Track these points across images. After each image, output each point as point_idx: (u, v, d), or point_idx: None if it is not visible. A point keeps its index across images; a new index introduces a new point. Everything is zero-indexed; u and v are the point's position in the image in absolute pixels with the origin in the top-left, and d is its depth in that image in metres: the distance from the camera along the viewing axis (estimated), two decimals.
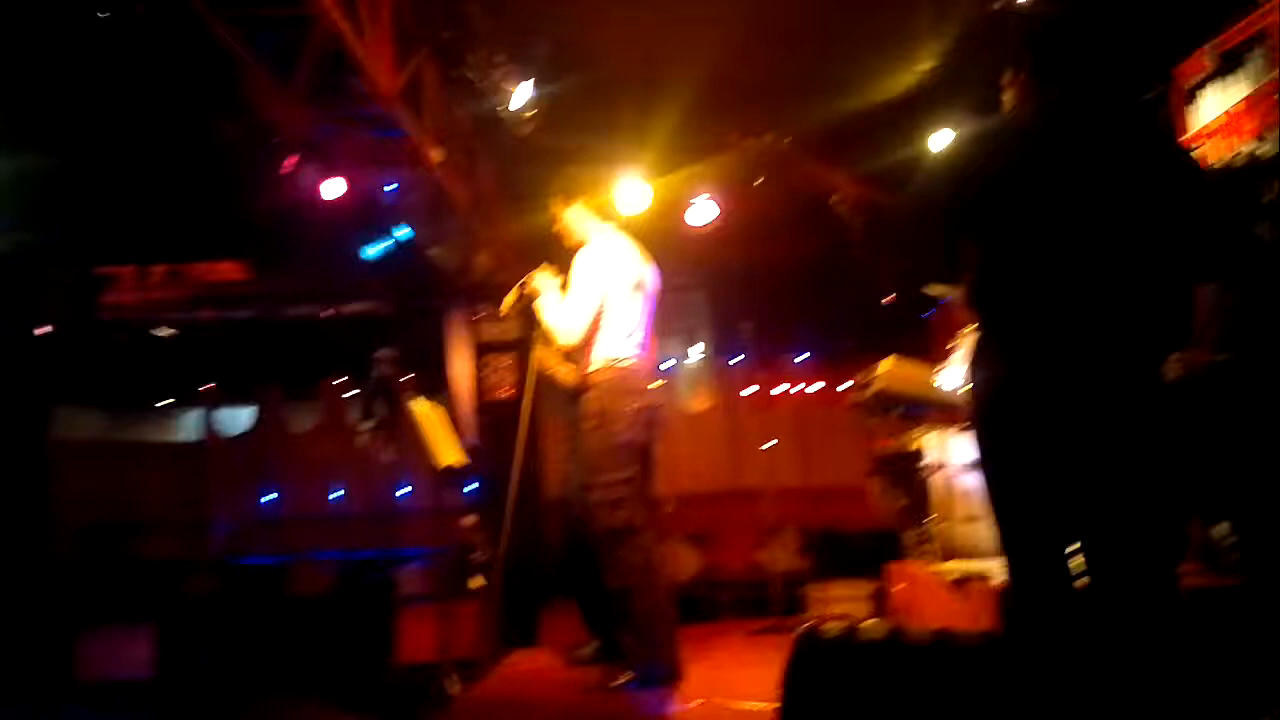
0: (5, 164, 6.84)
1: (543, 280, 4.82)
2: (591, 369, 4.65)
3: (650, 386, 4.70)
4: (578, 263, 4.73)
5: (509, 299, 4.93)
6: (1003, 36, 5.37)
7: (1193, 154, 3.74)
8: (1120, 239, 2.63)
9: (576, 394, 4.82)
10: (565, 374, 4.99)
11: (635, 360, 4.64)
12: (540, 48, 6.13)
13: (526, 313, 5.08)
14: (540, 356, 5.01)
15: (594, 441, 4.57)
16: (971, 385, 2.87)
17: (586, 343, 4.69)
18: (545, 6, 5.98)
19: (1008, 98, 2.95)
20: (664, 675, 4.63)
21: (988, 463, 2.84)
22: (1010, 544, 2.80)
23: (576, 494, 4.79)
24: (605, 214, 4.98)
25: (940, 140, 6.72)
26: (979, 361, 2.84)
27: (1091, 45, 2.87)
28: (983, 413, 2.82)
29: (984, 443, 2.85)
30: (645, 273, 4.90)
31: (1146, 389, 2.66)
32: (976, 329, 2.88)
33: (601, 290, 4.64)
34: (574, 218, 4.94)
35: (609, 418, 4.55)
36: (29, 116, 6.39)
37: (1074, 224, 2.65)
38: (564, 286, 4.79)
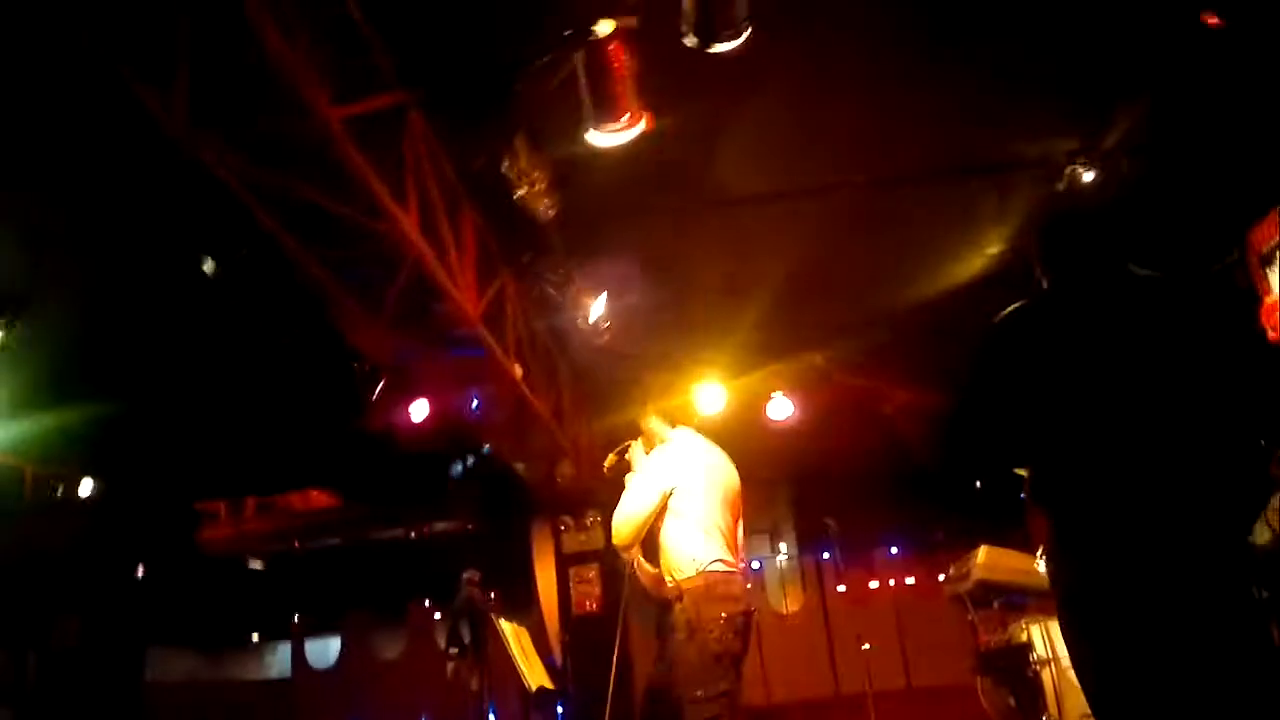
0: (101, 407, 7.13)
1: (639, 452, 4.79)
2: (681, 576, 4.54)
3: (742, 594, 4.56)
4: (648, 462, 4.70)
5: (610, 458, 4.89)
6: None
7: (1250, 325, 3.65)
8: (1179, 411, 2.58)
9: (668, 604, 4.71)
10: (647, 574, 4.92)
11: (722, 566, 4.53)
12: (615, 262, 6.35)
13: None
14: (633, 555, 4.94)
15: (687, 653, 4.40)
16: (1051, 582, 2.76)
17: (666, 548, 4.62)
18: (619, 224, 6.22)
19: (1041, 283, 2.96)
20: None
21: (1079, 662, 2.71)
22: None
23: (658, 705, 4.61)
24: (679, 418, 4.98)
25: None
26: (1057, 560, 2.74)
27: (1108, 229, 2.89)
28: (1069, 612, 2.70)
29: (1073, 642, 2.72)
30: (723, 472, 4.84)
31: (1231, 564, 2.55)
32: (1051, 521, 2.79)
33: (660, 487, 4.59)
34: (652, 425, 4.95)
35: (702, 627, 4.40)
36: (124, 359, 6.72)
37: (1133, 409, 2.61)
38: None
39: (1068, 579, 2.69)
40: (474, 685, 4.36)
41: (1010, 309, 2.82)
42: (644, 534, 4.51)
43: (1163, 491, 2.56)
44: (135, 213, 5.14)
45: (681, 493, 4.49)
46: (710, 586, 4.35)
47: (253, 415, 7.67)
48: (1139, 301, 2.78)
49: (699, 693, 4.23)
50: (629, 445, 4.79)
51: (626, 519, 4.50)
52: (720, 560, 4.41)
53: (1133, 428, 2.61)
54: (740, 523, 4.76)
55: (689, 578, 4.39)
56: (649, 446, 4.86)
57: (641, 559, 4.87)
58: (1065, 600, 2.71)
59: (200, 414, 7.57)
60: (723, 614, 4.31)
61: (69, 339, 6.20)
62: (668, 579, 4.52)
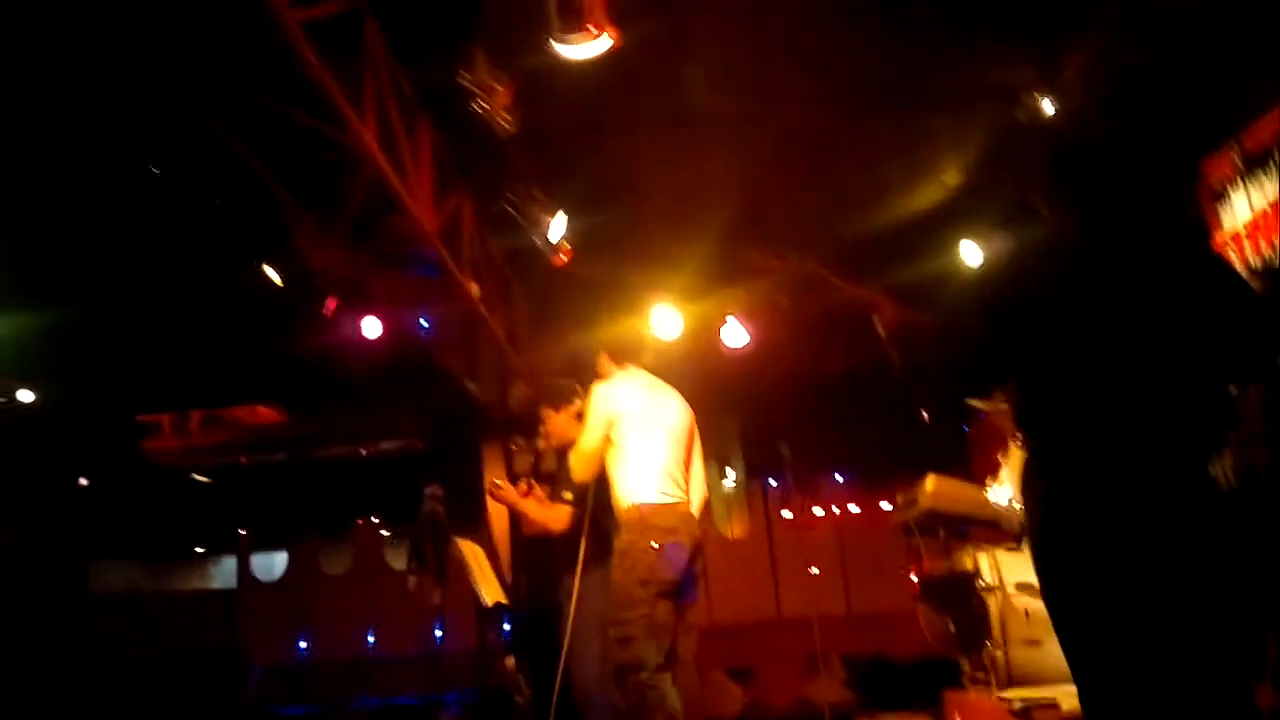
0: (43, 316, 6.98)
1: (562, 425, 4.98)
2: (620, 509, 4.68)
3: (679, 526, 4.67)
4: (591, 400, 4.82)
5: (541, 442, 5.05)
6: (1028, 150, 5.47)
7: (1222, 255, 3.72)
8: (1161, 347, 2.62)
9: (574, 534, 4.89)
10: (539, 514, 5.15)
11: (662, 498, 4.65)
12: (575, 181, 6.28)
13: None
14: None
15: (615, 577, 4.58)
16: (1025, 506, 2.81)
17: (610, 482, 4.73)
18: (579, 142, 6.15)
19: (1040, 214, 2.98)
20: None
21: (1049, 585, 2.76)
22: (1081, 667, 2.70)
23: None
24: (627, 357, 5.04)
25: (969, 252, 6.78)
26: (1031, 481, 2.79)
27: (1119, 161, 2.90)
28: (1040, 533, 2.76)
29: (1043, 564, 2.78)
30: (668, 406, 4.93)
31: (1200, 496, 2.61)
32: (1025, 447, 2.84)
33: (601, 422, 4.70)
34: (600, 363, 5.05)
35: (631, 554, 4.56)
36: (67, 266, 6.56)
37: (1116, 336, 2.64)
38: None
39: (1041, 500, 2.73)
40: (435, 599, 4.40)
41: (1012, 235, 2.84)
42: (597, 466, 4.65)
43: (1140, 425, 2.60)
44: (83, 116, 4.97)
45: (620, 427, 4.67)
46: (643, 517, 4.56)
47: (200, 327, 7.54)
48: (1128, 235, 2.80)
49: (620, 614, 4.43)
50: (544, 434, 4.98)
51: (576, 455, 4.77)
52: (660, 492, 4.54)
53: (1121, 360, 2.65)
54: (694, 456, 4.87)
55: (625, 508, 4.58)
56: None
57: (533, 503, 5.10)
58: (1038, 522, 2.75)
59: (147, 325, 7.42)
60: (653, 543, 4.47)
61: (13, 245, 6.02)
62: (614, 510, 4.67)
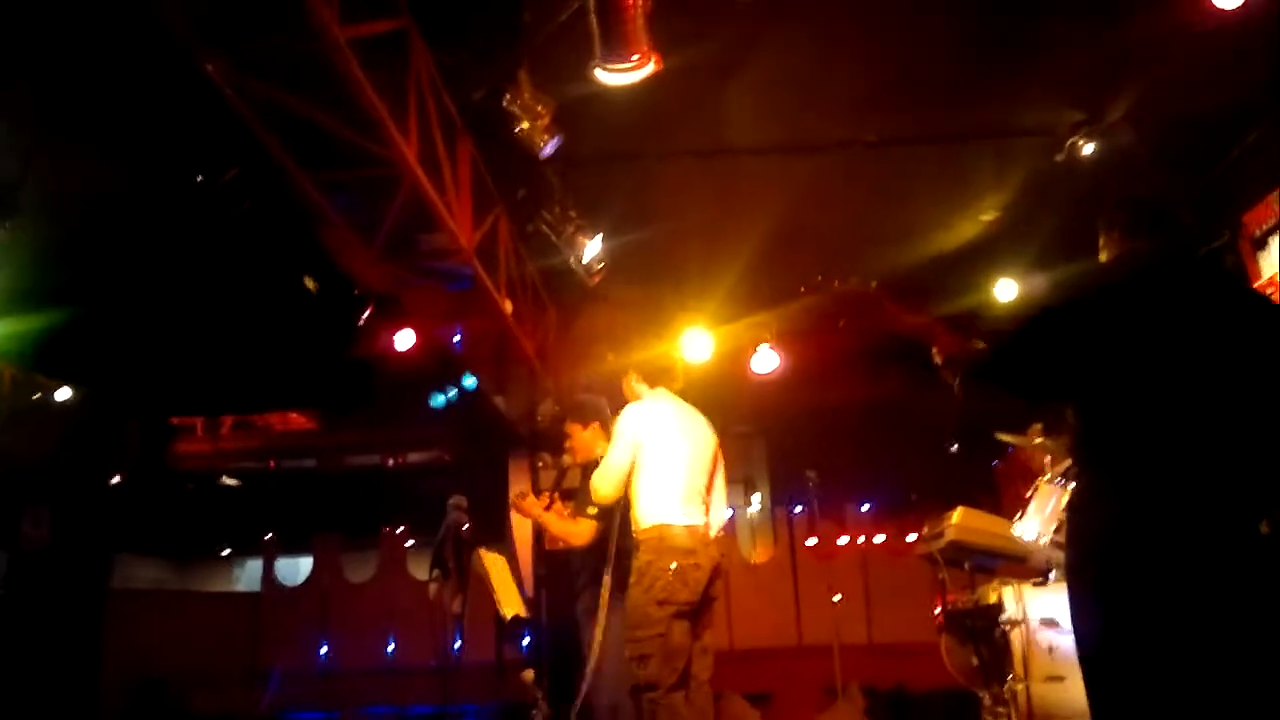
0: (84, 315, 7.09)
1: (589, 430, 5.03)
2: (639, 528, 4.71)
3: (697, 548, 4.70)
4: (620, 421, 4.85)
5: (566, 459, 5.09)
6: (1068, 187, 5.49)
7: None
8: (1221, 389, 2.63)
9: (596, 549, 4.91)
10: (561, 528, 5.19)
11: (682, 520, 4.68)
12: (611, 204, 6.33)
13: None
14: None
15: (633, 596, 4.61)
16: (1077, 533, 2.80)
17: (634, 503, 4.75)
18: (616, 166, 6.20)
19: (1103, 253, 3.00)
20: None
21: (1089, 610, 2.76)
22: (1106, 700, 2.69)
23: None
24: (659, 380, 5.07)
25: (1004, 290, 6.78)
26: (1087, 509, 2.79)
27: (1175, 201, 2.94)
28: (1090, 560, 2.75)
29: (1087, 590, 2.77)
30: (695, 431, 4.98)
31: (1250, 543, 2.60)
32: (1082, 476, 2.83)
33: (629, 446, 4.73)
34: (631, 384, 5.08)
35: (649, 574, 4.58)
36: (110, 268, 6.66)
37: (1179, 372, 2.65)
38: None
39: (1097, 530, 2.73)
40: (455, 608, 4.43)
41: (1098, 265, 2.88)
42: (622, 488, 4.68)
43: (1200, 464, 2.60)
44: (132, 121, 5.07)
45: (647, 449, 4.69)
46: (663, 539, 4.59)
47: (236, 334, 7.64)
48: (1186, 273, 2.82)
49: (636, 633, 4.47)
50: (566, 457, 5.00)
51: (602, 477, 4.78)
52: (681, 514, 4.58)
53: (1185, 398, 2.65)
54: (716, 482, 4.90)
55: (644, 529, 4.63)
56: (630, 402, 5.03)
57: (555, 516, 5.17)
58: (1090, 549, 2.75)
59: (184, 329, 7.53)
60: (673, 564, 4.53)
61: (59, 245, 6.14)
62: (633, 530, 4.70)
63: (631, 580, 4.64)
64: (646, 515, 4.67)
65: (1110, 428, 2.75)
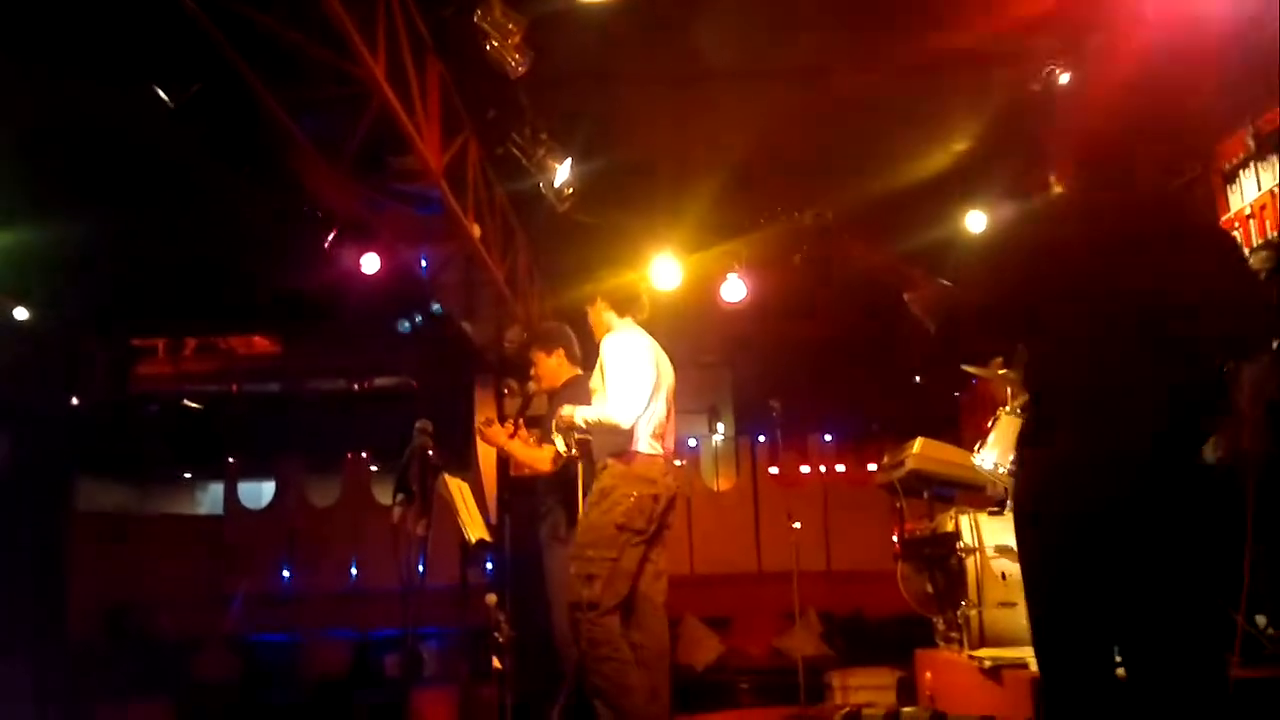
0: (43, 234, 6.96)
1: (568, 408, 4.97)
2: (607, 454, 4.73)
3: (659, 479, 4.74)
4: (612, 348, 4.82)
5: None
6: (1041, 119, 5.48)
7: (1226, 234, 3.74)
8: (1163, 318, 2.66)
9: (592, 476, 4.92)
10: (525, 454, 5.25)
11: (647, 449, 4.72)
12: (582, 127, 6.26)
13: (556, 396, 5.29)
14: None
15: (591, 516, 4.65)
16: (1020, 465, 2.85)
17: (607, 429, 4.77)
18: (587, 88, 6.13)
19: (1050, 184, 3.01)
20: None
21: (1031, 543, 2.81)
22: (1049, 630, 2.75)
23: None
24: (628, 309, 5.06)
25: (975, 221, 6.79)
26: (1031, 442, 2.83)
27: (1127, 133, 2.93)
28: (1032, 493, 2.80)
29: (1030, 523, 2.82)
30: (663, 365, 5.00)
31: (1190, 472, 2.66)
32: (1028, 410, 2.87)
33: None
34: (602, 314, 5.06)
35: (610, 498, 4.62)
36: (68, 186, 6.53)
37: (1120, 305, 2.68)
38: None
39: (1040, 462, 2.78)
40: (419, 532, 4.45)
41: (1021, 205, 2.87)
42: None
43: (1142, 395, 2.64)
44: (92, 34, 4.93)
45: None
46: (631, 466, 4.62)
47: (198, 255, 7.53)
48: (1133, 214, 2.83)
49: (588, 551, 4.53)
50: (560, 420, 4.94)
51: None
52: (648, 444, 4.62)
53: (1127, 332, 2.68)
54: (672, 415, 4.94)
55: (613, 454, 4.61)
56: (597, 333, 5.00)
57: (520, 444, 5.16)
58: (1033, 483, 2.80)
59: (146, 249, 7.41)
60: (634, 492, 4.57)
61: (19, 163, 5.99)
62: (596, 457, 4.72)
63: (591, 500, 4.67)
64: (617, 441, 4.70)
65: (1048, 363, 2.79)
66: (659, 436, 4.78)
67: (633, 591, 4.67)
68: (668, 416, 4.90)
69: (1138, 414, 2.63)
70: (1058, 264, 2.75)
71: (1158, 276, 2.69)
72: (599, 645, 4.51)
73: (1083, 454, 2.66)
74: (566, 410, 4.85)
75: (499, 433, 5.45)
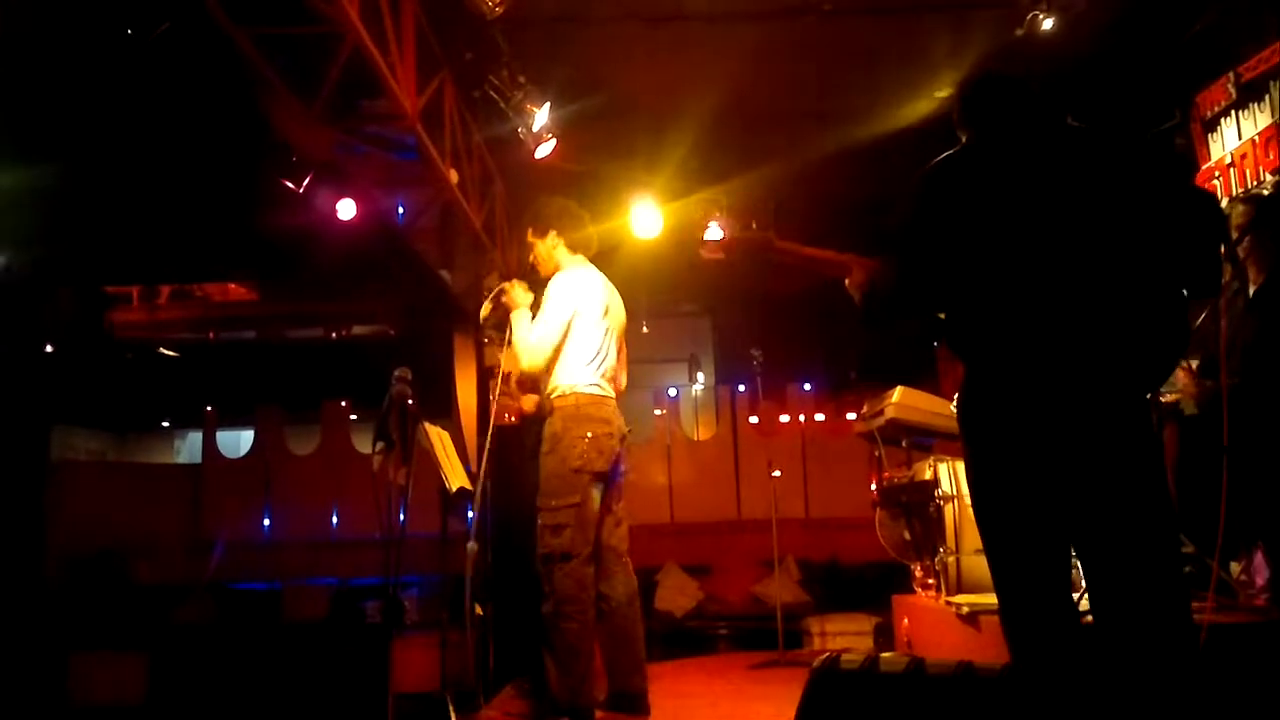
0: (13, 178, 6.83)
1: (519, 293, 4.85)
2: (553, 395, 4.69)
3: (611, 418, 4.72)
4: (549, 288, 4.77)
5: (486, 307, 4.95)
6: (1026, 63, 5.42)
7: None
8: (1099, 256, 2.62)
9: (538, 419, 4.85)
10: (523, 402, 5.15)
11: (597, 390, 4.68)
12: (560, 71, 6.16)
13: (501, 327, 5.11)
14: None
15: (548, 464, 4.62)
16: (962, 422, 2.84)
17: (550, 368, 4.72)
18: (565, 30, 6.03)
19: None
20: (579, 711, 4.57)
21: (981, 495, 2.80)
22: (1007, 575, 2.75)
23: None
24: (579, 247, 4.99)
25: None
26: (967, 399, 2.81)
27: (1000, 88, 2.89)
28: (975, 447, 2.79)
29: (978, 475, 2.81)
30: (616, 306, 4.97)
31: (1139, 413, 2.64)
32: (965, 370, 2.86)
33: (569, 314, 4.68)
34: (547, 249, 4.97)
35: (564, 441, 4.59)
36: (38, 130, 6.39)
37: (1045, 247, 2.64)
38: (535, 310, 4.81)
39: (977, 417, 2.77)
40: (399, 481, 4.42)
41: (936, 160, 2.84)
42: (556, 358, 4.62)
43: (1078, 337, 2.61)
44: None
45: (577, 321, 4.61)
46: (579, 406, 4.60)
47: (172, 199, 7.40)
48: (1069, 152, 2.79)
49: (552, 501, 4.52)
50: (503, 289, 4.86)
51: (540, 344, 4.65)
52: (596, 385, 4.58)
53: (1051, 274, 2.64)
54: (623, 355, 4.91)
55: (561, 395, 4.60)
56: (543, 270, 4.93)
57: (514, 387, 5.08)
58: (974, 436, 2.80)
59: (118, 194, 7.28)
60: (588, 433, 4.57)
61: None
62: (543, 396, 4.68)
63: (544, 449, 4.63)
64: (564, 382, 4.65)
65: (974, 316, 2.76)
66: (611, 379, 4.78)
67: (596, 542, 4.66)
68: (619, 358, 4.89)
69: (1077, 357, 2.61)
70: (983, 211, 2.72)
71: (1098, 210, 2.66)
72: (567, 603, 4.50)
73: (1020, 405, 2.65)
74: (517, 296, 4.76)
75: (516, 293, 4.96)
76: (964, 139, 2.94)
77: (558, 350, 4.68)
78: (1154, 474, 2.64)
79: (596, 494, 4.61)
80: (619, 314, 4.93)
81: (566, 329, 4.67)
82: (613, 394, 4.77)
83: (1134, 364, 2.61)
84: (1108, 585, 2.61)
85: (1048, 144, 2.79)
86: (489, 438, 4.98)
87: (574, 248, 4.95)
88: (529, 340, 4.68)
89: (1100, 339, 2.59)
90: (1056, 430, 2.60)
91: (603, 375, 4.72)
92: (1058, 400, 2.59)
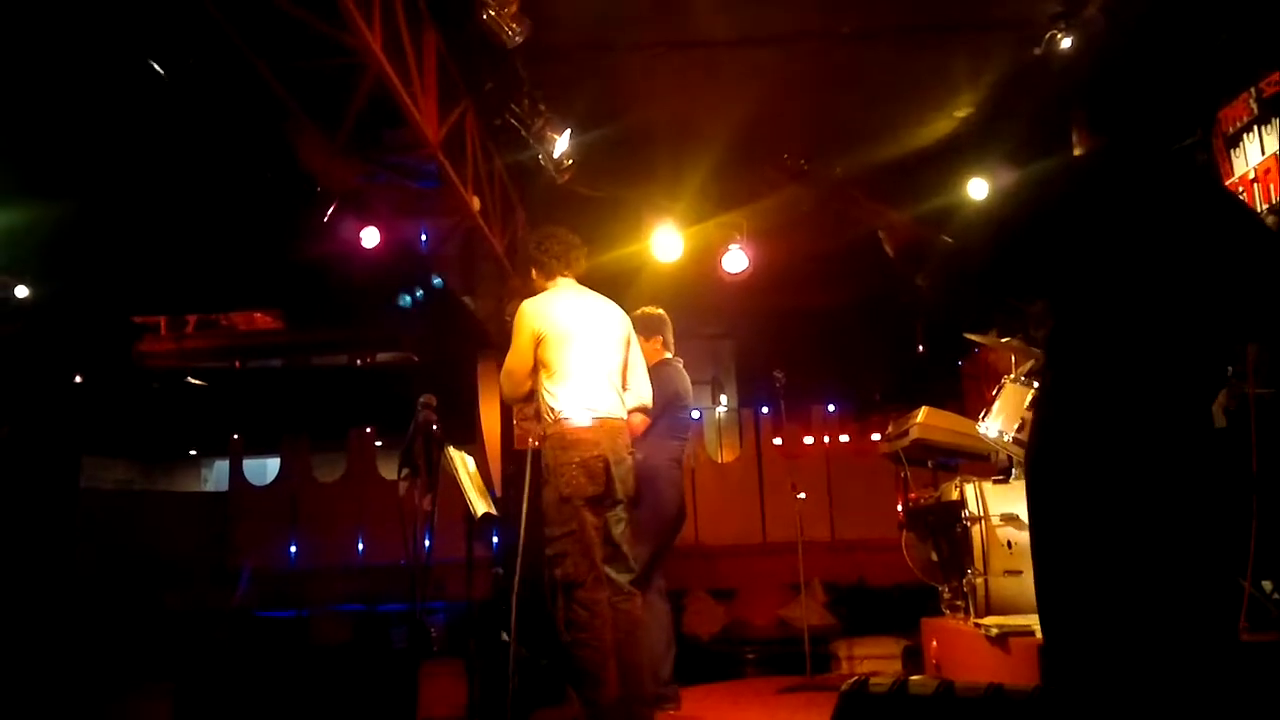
0: (42, 211, 6.93)
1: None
2: (546, 424, 4.69)
3: (602, 440, 4.66)
4: (518, 318, 4.78)
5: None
6: (1044, 82, 5.43)
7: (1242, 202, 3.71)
8: (1184, 287, 2.63)
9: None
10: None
11: (585, 414, 4.64)
12: (581, 98, 6.21)
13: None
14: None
15: (545, 496, 4.63)
16: (1039, 429, 2.83)
17: (538, 397, 4.73)
18: (585, 58, 6.07)
19: (1076, 149, 2.97)
20: None
21: (1044, 507, 2.79)
22: (1058, 591, 2.74)
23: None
24: (557, 269, 4.95)
25: (977, 189, 6.74)
26: (1051, 405, 2.81)
27: (1142, 93, 2.89)
28: (1048, 455, 2.78)
29: (1043, 487, 2.80)
30: (599, 316, 4.87)
31: (1201, 440, 2.64)
32: (1048, 373, 2.85)
33: (528, 339, 4.66)
34: (540, 287, 4.96)
35: (556, 472, 4.59)
36: (66, 163, 6.49)
37: (1142, 271, 2.65)
38: None
39: (1060, 426, 2.75)
40: (425, 507, 4.45)
41: (1075, 160, 2.84)
42: (527, 386, 4.67)
43: (1158, 362, 2.62)
44: (88, 8, 4.88)
45: (546, 344, 4.59)
46: (564, 435, 4.57)
47: (199, 231, 7.50)
48: (1153, 169, 2.79)
49: (553, 531, 4.55)
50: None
51: (507, 373, 4.74)
52: (585, 409, 4.53)
53: (1145, 292, 2.65)
54: (632, 360, 4.86)
55: (549, 424, 4.57)
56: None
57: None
58: (1049, 445, 2.78)
59: (147, 226, 7.38)
60: (576, 459, 4.52)
61: (15, 138, 5.95)
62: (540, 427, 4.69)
63: (544, 479, 4.63)
64: (548, 412, 4.64)
65: (1078, 325, 2.76)
66: (600, 395, 4.67)
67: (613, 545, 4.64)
68: (621, 370, 4.83)
69: (1157, 380, 2.61)
70: (1089, 219, 2.72)
71: (1182, 238, 2.67)
72: (580, 630, 4.48)
73: (1098, 418, 2.64)
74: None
75: None
76: (1092, 144, 2.92)
77: (529, 376, 4.68)
78: (1205, 505, 2.62)
79: (593, 518, 4.58)
80: (612, 329, 4.85)
81: (532, 355, 4.66)
82: (612, 414, 4.68)
83: (1194, 395, 2.62)
84: (1162, 601, 2.60)
85: (1162, 163, 2.80)
86: (526, 464, 4.96)
87: (550, 275, 4.94)
88: (503, 375, 4.74)
89: (1173, 373, 2.61)
90: (1129, 452, 2.60)
91: (591, 394, 4.64)
92: (1132, 426, 2.60)
